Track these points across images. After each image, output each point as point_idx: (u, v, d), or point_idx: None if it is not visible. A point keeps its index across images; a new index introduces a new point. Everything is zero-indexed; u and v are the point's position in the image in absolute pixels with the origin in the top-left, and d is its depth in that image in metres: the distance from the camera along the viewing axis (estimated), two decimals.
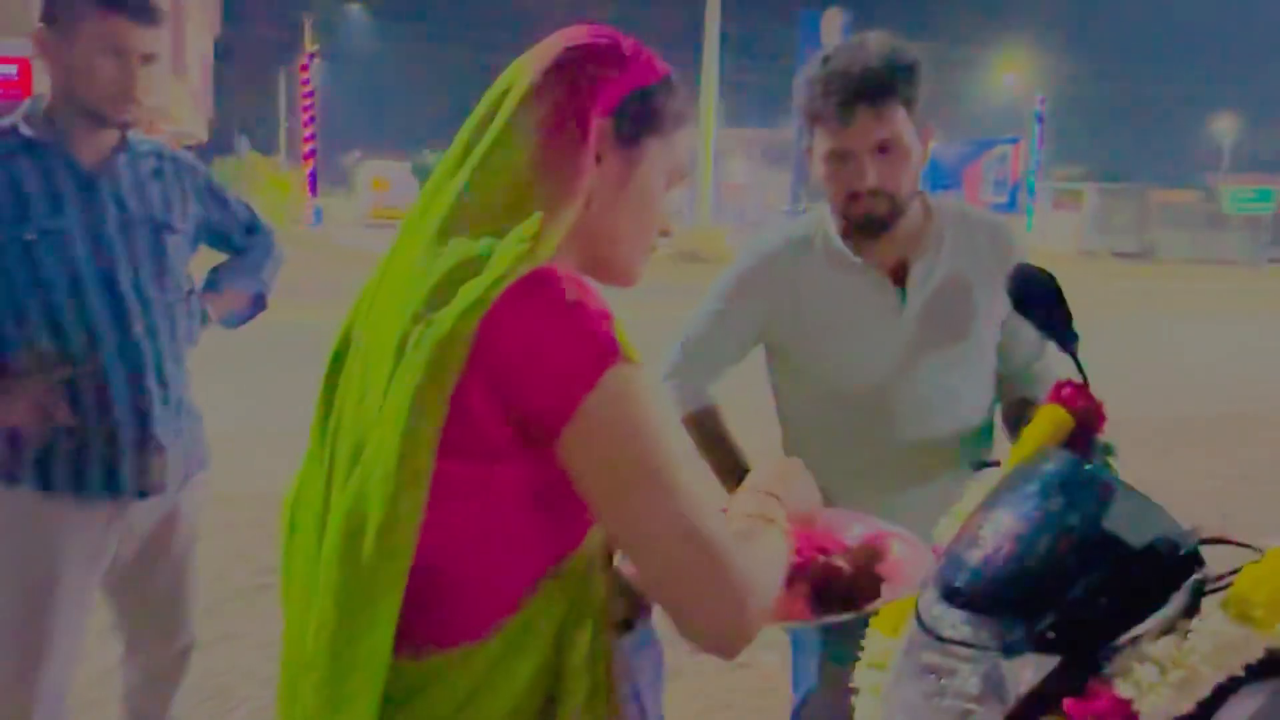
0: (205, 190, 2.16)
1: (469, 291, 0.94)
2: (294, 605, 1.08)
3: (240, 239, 2.27)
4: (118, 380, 1.94)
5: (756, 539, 1.05)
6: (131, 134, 2.00)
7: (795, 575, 1.18)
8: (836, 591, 1.20)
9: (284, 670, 1.09)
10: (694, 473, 0.96)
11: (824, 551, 1.24)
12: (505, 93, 1.04)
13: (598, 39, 1.06)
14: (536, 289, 0.94)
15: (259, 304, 2.36)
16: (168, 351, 2.02)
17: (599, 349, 0.93)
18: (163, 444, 2.00)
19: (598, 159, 1.03)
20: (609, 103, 1.03)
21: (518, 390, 0.93)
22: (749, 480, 1.19)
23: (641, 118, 1.05)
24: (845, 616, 1.20)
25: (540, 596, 1.01)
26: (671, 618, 0.95)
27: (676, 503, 0.93)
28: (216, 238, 2.23)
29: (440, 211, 1.02)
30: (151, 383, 1.98)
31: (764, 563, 1.01)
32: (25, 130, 1.91)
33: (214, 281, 2.27)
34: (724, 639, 0.95)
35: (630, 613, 1.14)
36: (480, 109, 1.06)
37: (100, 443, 1.94)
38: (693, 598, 0.93)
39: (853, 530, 1.31)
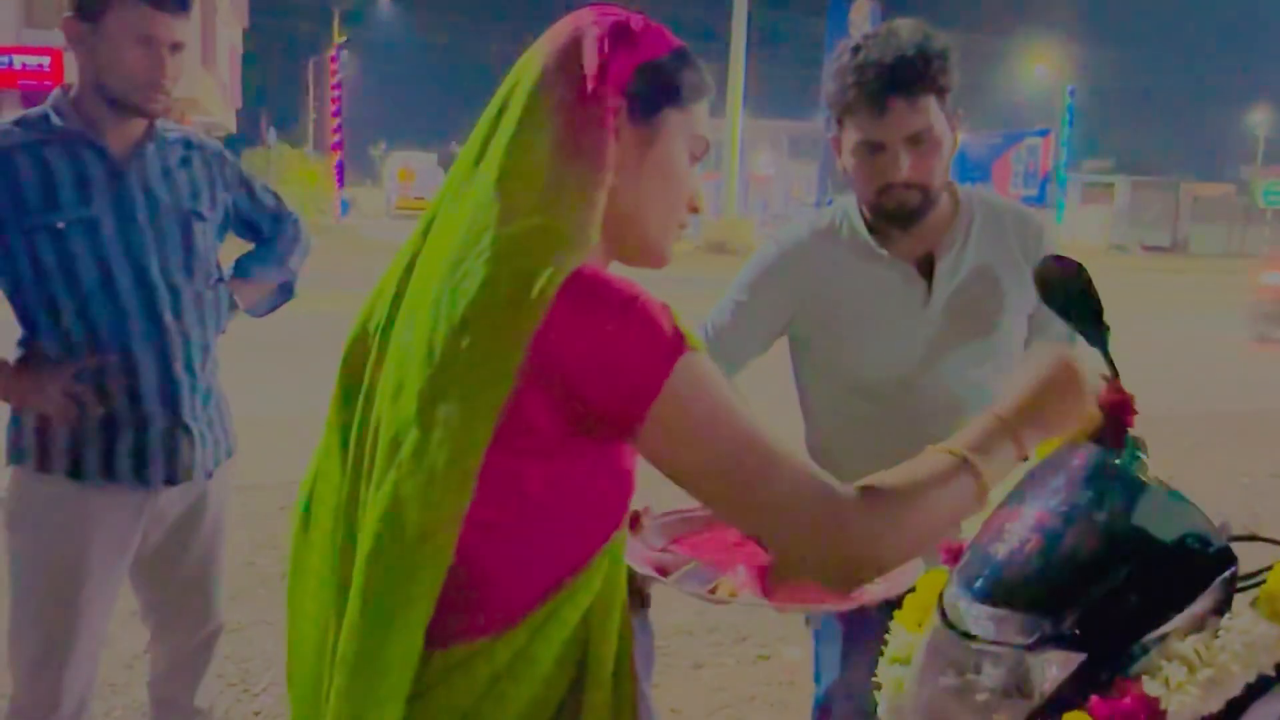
0: (233, 178, 2.17)
1: (521, 293, 0.92)
2: (308, 602, 1.07)
3: (268, 227, 2.28)
4: (147, 368, 1.96)
5: (918, 477, 1.01)
6: (160, 122, 2.01)
7: None
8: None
9: (295, 667, 1.08)
10: (770, 430, 0.98)
11: None
12: (517, 84, 1.03)
13: (604, 17, 1.04)
14: (589, 289, 0.94)
15: (286, 293, 2.37)
16: (196, 339, 2.03)
17: (667, 342, 0.93)
18: (191, 432, 2.02)
19: (615, 136, 1.01)
20: (620, 78, 1.01)
21: (586, 390, 0.93)
22: (1007, 386, 1.16)
23: (655, 91, 1.04)
24: (829, 608, 1.31)
25: (570, 587, 1.00)
26: (795, 567, 1.00)
27: (777, 466, 0.95)
28: (244, 226, 2.24)
29: (471, 207, 1.00)
30: (180, 371, 1.99)
31: (908, 498, 0.99)
32: (54, 119, 1.92)
33: (242, 270, 2.28)
34: (847, 570, 0.98)
35: (634, 602, 1.14)
36: (495, 102, 1.04)
37: (129, 430, 1.96)
38: (813, 542, 0.96)
39: None
